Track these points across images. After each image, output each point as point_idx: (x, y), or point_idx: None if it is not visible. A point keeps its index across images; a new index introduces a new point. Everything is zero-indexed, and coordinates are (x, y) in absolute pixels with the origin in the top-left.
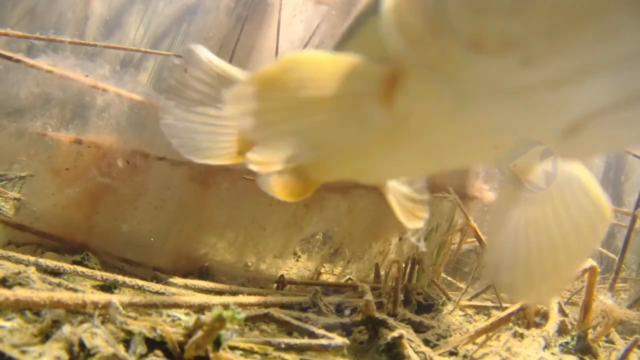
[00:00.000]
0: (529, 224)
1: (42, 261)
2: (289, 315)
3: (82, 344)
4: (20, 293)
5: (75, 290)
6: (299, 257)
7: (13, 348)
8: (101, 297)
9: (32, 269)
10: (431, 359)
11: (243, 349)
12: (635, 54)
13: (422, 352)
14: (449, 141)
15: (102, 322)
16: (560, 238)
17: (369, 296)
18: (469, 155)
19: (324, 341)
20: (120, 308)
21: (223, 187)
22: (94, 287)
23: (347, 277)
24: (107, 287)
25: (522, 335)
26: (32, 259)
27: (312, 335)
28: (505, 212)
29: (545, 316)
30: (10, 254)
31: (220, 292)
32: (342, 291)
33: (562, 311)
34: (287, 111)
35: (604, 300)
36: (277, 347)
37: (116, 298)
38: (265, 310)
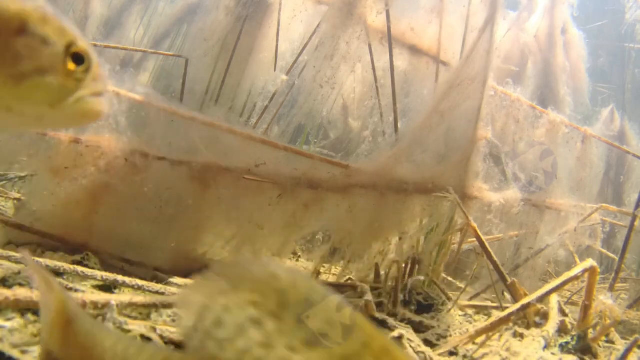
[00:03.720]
0: None
1: (42, 261)
2: None
3: None
4: (20, 293)
5: (76, 290)
6: (299, 257)
7: (13, 348)
8: (101, 297)
9: None
10: (431, 359)
11: None
12: None
13: (422, 352)
14: None
15: (102, 322)
16: None
17: (369, 296)
18: None
19: None
20: (116, 310)
21: (222, 186)
22: (94, 287)
23: (347, 277)
24: (107, 287)
25: (522, 335)
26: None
27: None
28: None
29: (545, 316)
30: (11, 254)
31: None
32: (342, 291)
33: (562, 311)
34: None
35: (604, 300)
36: None
37: (116, 298)
38: None
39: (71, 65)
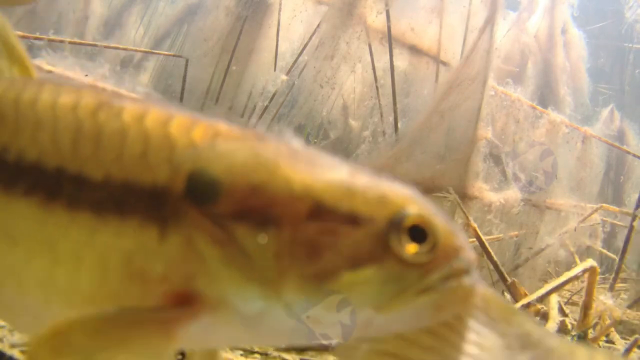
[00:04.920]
0: None
1: None
2: None
3: None
4: None
5: None
6: None
7: (13, 348)
8: None
9: None
10: None
11: (243, 349)
12: None
13: None
14: None
15: None
16: None
17: None
18: None
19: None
20: None
21: None
22: None
23: None
24: None
25: None
26: None
27: None
28: None
29: (545, 316)
30: None
31: None
32: None
33: (562, 311)
34: None
35: (604, 300)
36: (277, 347)
37: None
38: None
39: (409, 247)
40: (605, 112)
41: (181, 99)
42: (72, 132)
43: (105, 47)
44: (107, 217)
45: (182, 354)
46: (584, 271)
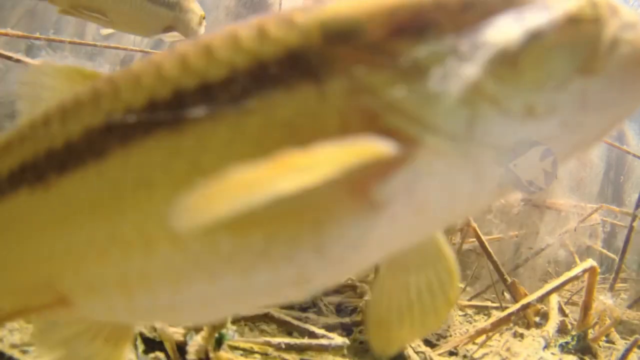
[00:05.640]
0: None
1: None
2: (289, 315)
3: None
4: None
5: None
6: None
7: (13, 348)
8: None
9: None
10: (431, 359)
11: (243, 349)
12: None
13: (422, 352)
14: None
15: None
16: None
17: (369, 296)
18: None
19: (324, 341)
20: None
21: None
22: None
23: (347, 277)
24: None
25: (522, 335)
26: None
27: (312, 335)
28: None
29: (545, 316)
30: None
31: None
32: (342, 291)
33: (562, 311)
34: None
35: (604, 300)
36: (277, 347)
37: None
38: (265, 310)
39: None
40: None
41: None
42: (179, 62)
43: (105, 47)
44: (249, 106)
45: (183, 346)
46: (584, 271)
